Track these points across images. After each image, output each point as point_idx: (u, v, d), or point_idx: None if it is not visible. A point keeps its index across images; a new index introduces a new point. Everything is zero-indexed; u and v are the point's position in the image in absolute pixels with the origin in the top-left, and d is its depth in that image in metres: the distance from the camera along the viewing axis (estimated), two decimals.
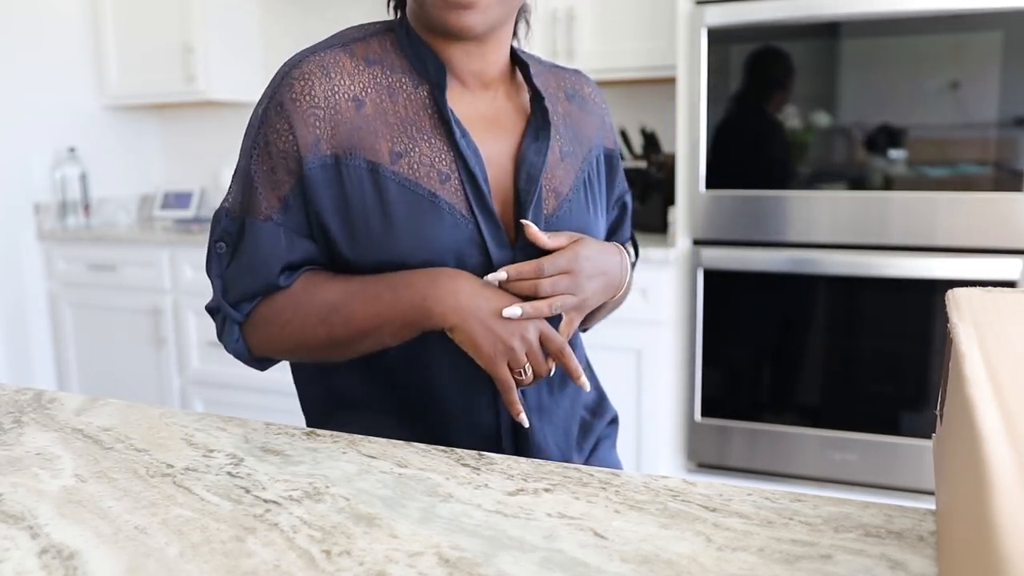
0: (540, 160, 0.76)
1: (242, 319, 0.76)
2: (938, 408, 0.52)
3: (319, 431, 0.68)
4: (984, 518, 0.26)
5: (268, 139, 0.72)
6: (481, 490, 0.55)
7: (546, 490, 0.54)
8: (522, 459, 0.61)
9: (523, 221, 0.72)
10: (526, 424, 0.73)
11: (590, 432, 0.89)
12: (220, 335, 0.79)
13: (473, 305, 0.69)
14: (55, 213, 2.85)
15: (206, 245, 0.78)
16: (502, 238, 0.74)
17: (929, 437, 1.92)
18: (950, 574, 0.35)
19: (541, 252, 0.73)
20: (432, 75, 0.75)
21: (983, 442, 0.30)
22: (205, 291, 2.56)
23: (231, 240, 0.75)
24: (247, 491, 0.55)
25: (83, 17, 2.92)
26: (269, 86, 0.74)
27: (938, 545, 0.45)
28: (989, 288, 0.56)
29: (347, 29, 0.78)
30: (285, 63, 0.75)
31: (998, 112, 1.79)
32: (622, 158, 0.94)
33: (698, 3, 2.00)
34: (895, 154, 1.88)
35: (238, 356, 0.78)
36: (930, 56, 1.82)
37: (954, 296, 0.54)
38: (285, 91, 0.72)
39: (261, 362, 0.80)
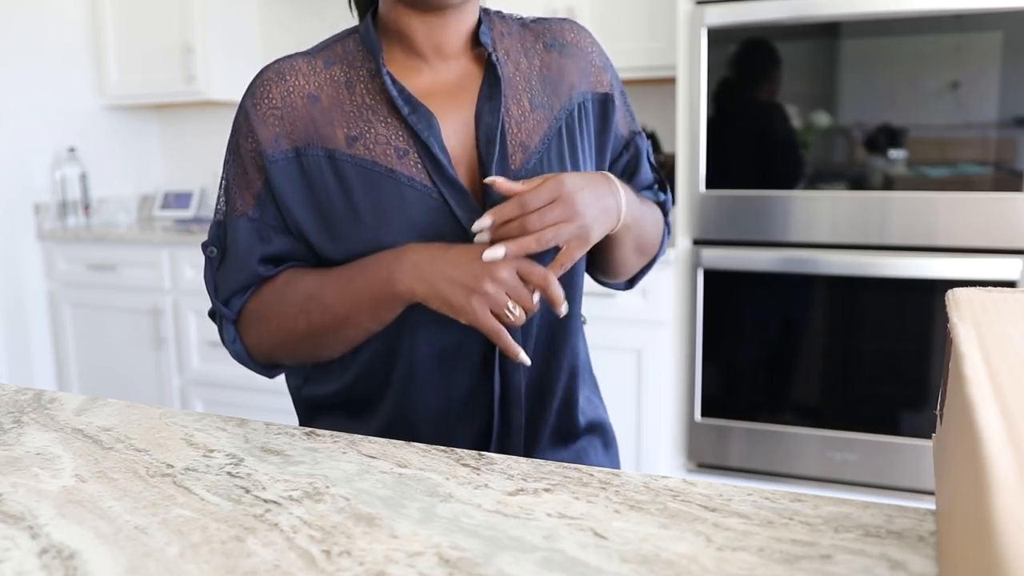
0: (495, 119, 0.77)
1: (234, 316, 0.79)
2: (938, 408, 0.52)
3: (319, 431, 0.68)
4: (984, 518, 0.26)
5: (238, 143, 0.79)
6: (481, 490, 0.55)
7: (546, 490, 0.54)
8: (522, 459, 0.61)
9: (487, 180, 0.71)
10: (527, 362, 0.71)
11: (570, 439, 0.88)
12: (222, 339, 0.81)
13: (435, 269, 0.69)
14: (55, 213, 2.85)
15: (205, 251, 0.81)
16: (469, 203, 0.74)
17: (929, 437, 1.92)
18: (950, 574, 0.35)
19: None
20: (374, 56, 0.76)
21: (983, 442, 0.30)
22: (205, 291, 2.56)
23: (220, 244, 0.79)
24: (247, 491, 0.55)
25: (83, 17, 2.92)
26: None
27: (938, 545, 0.45)
28: (989, 288, 0.56)
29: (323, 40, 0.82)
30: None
31: (998, 112, 1.79)
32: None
33: (698, 3, 2.00)
34: (895, 154, 1.88)
35: (240, 359, 0.81)
36: (930, 56, 1.82)
37: (954, 296, 0.54)
38: (247, 99, 0.78)
39: (268, 368, 0.82)
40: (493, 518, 0.50)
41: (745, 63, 1.96)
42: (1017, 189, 1.80)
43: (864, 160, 1.91)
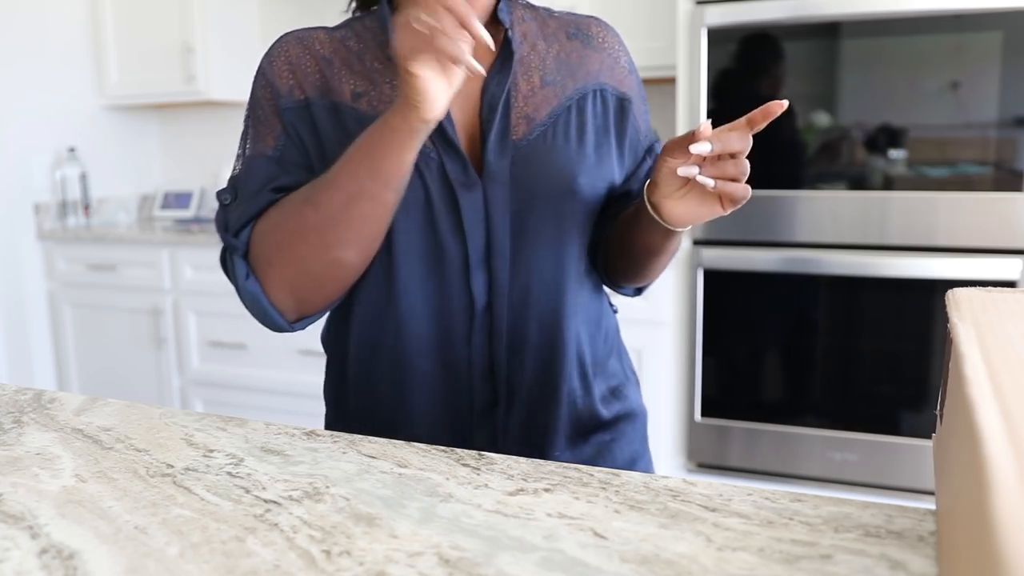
0: (500, 90, 0.78)
1: (243, 247, 0.76)
2: (938, 408, 0.52)
3: (319, 431, 0.68)
4: (984, 518, 0.26)
5: (256, 97, 0.80)
6: (481, 490, 0.55)
7: (546, 490, 0.54)
8: (522, 459, 0.61)
9: (703, 126, 0.67)
10: (480, 71, 0.63)
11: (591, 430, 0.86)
12: (235, 283, 0.77)
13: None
14: (55, 213, 2.85)
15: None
16: (466, 168, 0.76)
17: (929, 437, 1.93)
18: (950, 574, 0.35)
19: (502, 188, 0.76)
20: (386, 31, 0.78)
21: (983, 442, 0.30)
22: (205, 291, 2.56)
23: (234, 189, 0.79)
24: (247, 491, 0.55)
25: (83, 17, 2.92)
26: None
27: (938, 545, 0.45)
28: (989, 288, 0.56)
29: None
30: None
31: (998, 112, 1.79)
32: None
33: (698, 3, 2.00)
34: (895, 154, 1.88)
35: (255, 299, 0.75)
36: (930, 56, 1.82)
37: (954, 296, 0.54)
38: (265, 60, 0.80)
39: (285, 313, 0.77)
40: (493, 518, 0.50)
41: (747, 59, 1.96)
42: (1017, 189, 1.80)
43: (864, 160, 1.91)
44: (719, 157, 0.69)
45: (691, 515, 0.50)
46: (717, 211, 0.73)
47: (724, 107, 1.99)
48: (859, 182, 1.92)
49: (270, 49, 0.81)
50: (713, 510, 0.51)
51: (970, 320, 0.48)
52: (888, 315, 1.94)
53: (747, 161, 0.69)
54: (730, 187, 0.69)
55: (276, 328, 0.78)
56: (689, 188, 0.73)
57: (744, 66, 1.97)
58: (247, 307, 0.77)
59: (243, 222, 0.76)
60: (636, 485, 0.55)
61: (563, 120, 0.80)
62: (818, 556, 0.45)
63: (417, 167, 0.74)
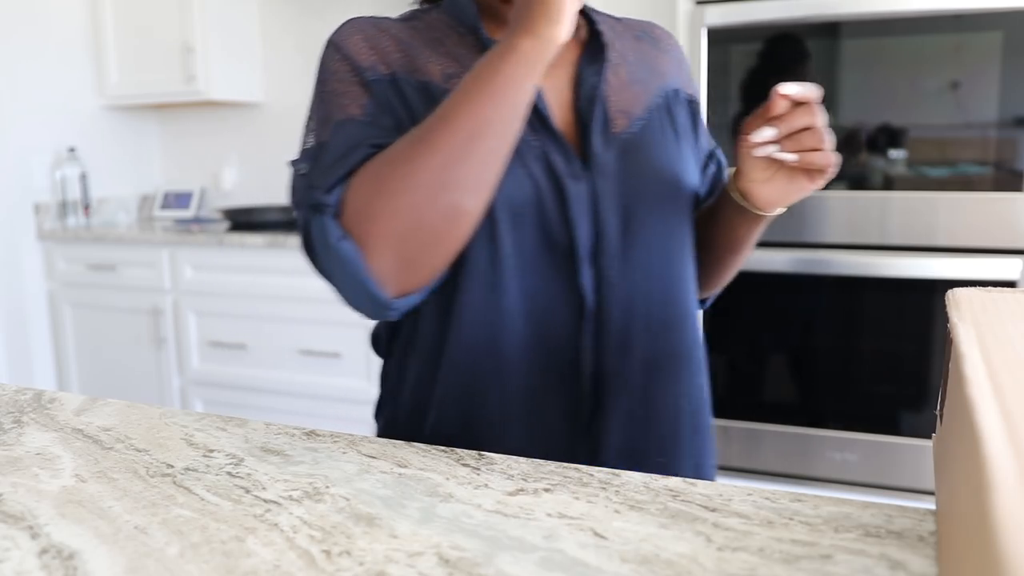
0: (598, 80, 0.75)
1: (335, 204, 0.64)
2: (938, 408, 0.52)
3: (319, 431, 0.68)
4: (984, 518, 0.26)
5: (331, 70, 0.72)
6: (481, 490, 0.55)
7: (546, 490, 0.54)
8: (522, 459, 0.61)
9: (780, 88, 0.66)
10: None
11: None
12: (325, 249, 0.64)
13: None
14: (55, 213, 2.85)
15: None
16: (569, 154, 0.72)
17: (929, 437, 1.92)
18: (950, 574, 0.35)
19: (610, 181, 0.72)
20: (469, 20, 0.75)
21: (983, 442, 0.30)
22: (205, 291, 2.56)
23: (313, 155, 0.69)
24: (247, 491, 0.55)
25: (83, 17, 2.92)
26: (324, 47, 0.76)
27: (938, 545, 0.45)
28: (989, 288, 0.56)
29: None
30: None
31: (998, 112, 1.79)
32: None
33: (698, 3, 2.00)
34: (895, 154, 1.88)
35: (351, 263, 0.63)
36: (930, 56, 1.82)
37: (954, 296, 0.54)
38: (336, 37, 0.74)
39: (385, 280, 0.64)
40: (493, 518, 0.50)
41: (770, 59, 1.96)
42: (1017, 189, 1.80)
43: (864, 160, 1.91)
44: (796, 133, 0.67)
45: (691, 515, 0.50)
46: (807, 186, 0.71)
47: (751, 105, 1.99)
48: (859, 182, 1.92)
49: (339, 29, 0.75)
50: (713, 510, 0.51)
51: (970, 320, 0.48)
52: (888, 315, 1.94)
53: (826, 129, 0.67)
54: (811, 157, 0.67)
55: (374, 305, 0.65)
56: (776, 169, 0.71)
57: (765, 64, 1.97)
58: (337, 283, 0.65)
59: (336, 178, 0.65)
60: (636, 485, 0.55)
61: (658, 116, 0.78)
62: (818, 556, 0.45)
63: (519, 155, 0.69)
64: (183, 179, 3.26)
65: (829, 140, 0.68)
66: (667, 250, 0.76)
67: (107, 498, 0.54)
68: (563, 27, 0.63)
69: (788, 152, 0.68)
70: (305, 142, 0.71)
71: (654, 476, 0.56)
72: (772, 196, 0.74)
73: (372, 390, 2.37)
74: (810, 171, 0.70)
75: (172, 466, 0.60)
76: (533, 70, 0.63)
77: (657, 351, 0.75)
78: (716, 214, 0.81)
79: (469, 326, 0.72)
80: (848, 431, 1.99)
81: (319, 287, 2.39)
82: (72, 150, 2.87)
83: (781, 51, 1.94)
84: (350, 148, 0.66)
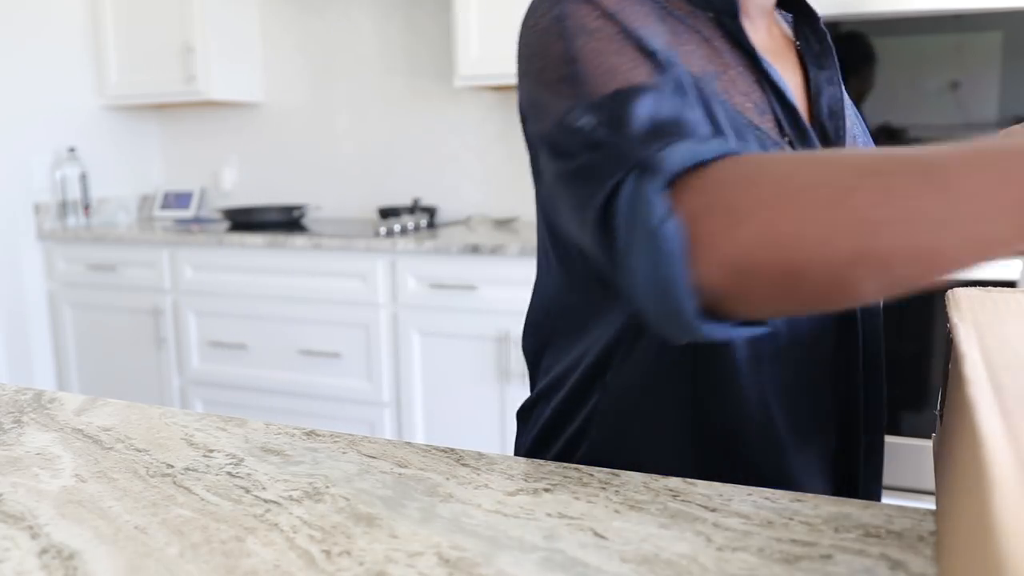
0: (836, 90, 0.67)
1: (672, 172, 0.46)
2: (938, 408, 0.52)
3: (319, 431, 0.68)
4: (984, 518, 0.26)
5: (585, 28, 0.55)
6: (481, 490, 0.55)
7: (546, 490, 0.54)
8: (522, 459, 0.61)
9: None
10: None
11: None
12: (619, 220, 0.47)
13: None
14: (55, 213, 2.86)
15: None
16: None
17: (929, 437, 1.92)
18: (950, 574, 0.35)
19: None
20: (718, 4, 0.63)
21: (983, 442, 0.30)
22: (205, 291, 2.56)
23: (610, 120, 0.51)
24: (247, 491, 0.55)
25: (83, 17, 2.92)
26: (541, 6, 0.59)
27: (938, 545, 0.45)
28: (989, 288, 0.56)
29: None
30: None
31: (998, 112, 1.79)
32: None
33: None
34: None
35: (667, 256, 0.45)
36: (930, 56, 1.82)
37: (954, 296, 0.54)
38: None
39: (705, 313, 0.46)
40: (493, 518, 0.50)
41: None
42: None
43: None
44: None
45: (691, 515, 0.50)
46: None
47: None
48: None
49: None
50: (713, 510, 0.51)
51: (970, 320, 0.48)
52: (888, 315, 1.94)
53: None
54: None
55: (677, 315, 0.46)
56: None
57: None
58: (637, 276, 0.47)
59: (668, 141, 0.48)
60: (636, 485, 0.55)
61: (862, 130, 0.71)
62: (818, 556, 0.45)
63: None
64: (183, 179, 3.26)
65: None
66: None
67: (107, 498, 0.54)
68: None
69: None
70: (571, 109, 0.54)
71: (654, 476, 0.56)
72: None
73: (372, 390, 2.37)
74: None
75: (172, 466, 0.60)
76: (982, 253, 0.41)
77: (882, 374, 0.71)
78: None
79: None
80: None
81: (319, 287, 2.39)
82: (72, 150, 2.87)
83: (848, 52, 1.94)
84: (679, 114, 0.50)
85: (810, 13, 0.70)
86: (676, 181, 0.46)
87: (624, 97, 0.51)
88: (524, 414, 0.76)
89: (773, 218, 0.43)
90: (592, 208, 0.50)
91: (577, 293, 0.68)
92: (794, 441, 0.63)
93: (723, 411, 0.62)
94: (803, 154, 0.46)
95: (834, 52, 0.69)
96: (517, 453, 0.76)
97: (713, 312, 0.47)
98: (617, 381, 0.65)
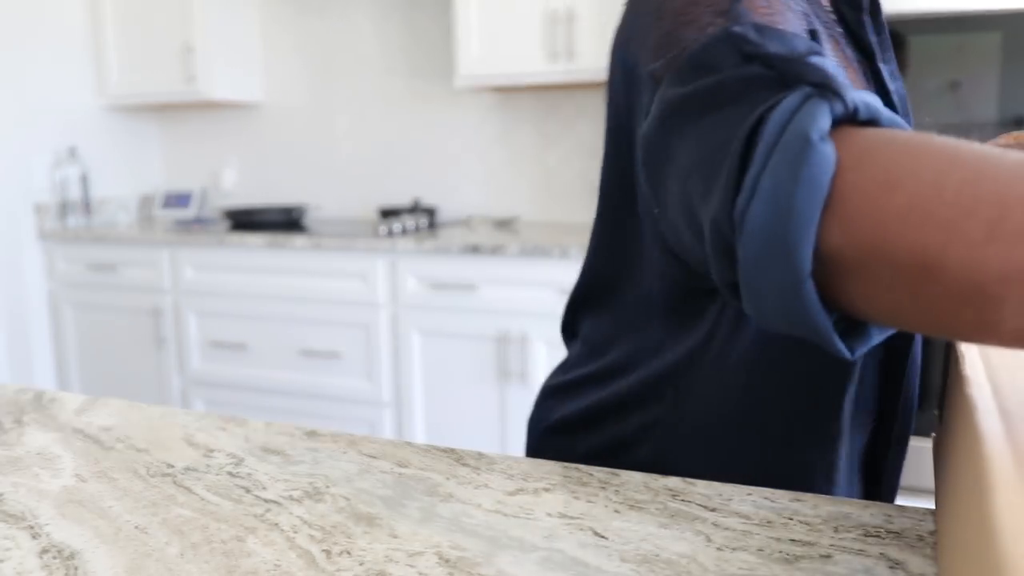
0: (900, 86, 0.64)
1: (852, 105, 0.39)
2: (938, 408, 0.52)
3: (319, 431, 0.68)
4: (984, 518, 0.26)
5: None
6: (481, 490, 0.55)
7: (546, 490, 0.54)
8: (522, 459, 0.61)
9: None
10: None
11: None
12: (768, 131, 0.39)
13: None
14: (55, 213, 2.86)
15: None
16: None
17: (929, 437, 1.92)
18: (950, 574, 0.35)
19: None
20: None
21: (983, 442, 0.30)
22: (205, 291, 2.56)
23: (781, 45, 0.44)
24: (247, 491, 0.55)
25: (83, 17, 2.92)
26: None
27: (938, 545, 0.45)
28: None
29: None
30: None
31: (998, 112, 1.79)
32: None
33: None
34: None
35: (811, 184, 0.37)
36: (930, 56, 1.82)
37: None
38: None
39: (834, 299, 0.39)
40: (493, 518, 0.50)
41: None
42: None
43: None
44: None
45: (691, 515, 0.50)
46: None
47: None
48: None
49: None
50: (713, 510, 0.51)
51: None
52: None
53: None
54: None
55: (787, 257, 0.38)
56: None
57: None
58: (761, 196, 0.39)
59: (869, 105, 0.40)
60: (636, 485, 0.55)
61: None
62: (818, 556, 0.45)
63: None
64: (183, 179, 3.26)
65: None
66: None
67: (107, 498, 0.54)
68: None
69: None
70: (677, 39, 0.49)
71: (653, 476, 0.56)
72: None
73: (372, 390, 2.37)
74: None
75: (172, 466, 0.60)
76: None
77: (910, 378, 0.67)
78: None
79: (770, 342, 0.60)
80: None
81: (319, 287, 2.39)
82: (72, 150, 2.87)
83: None
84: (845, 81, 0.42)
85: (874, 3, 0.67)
86: (843, 125, 0.39)
87: (790, 34, 0.45)
88: (563, 390, 0.71)
89: (930, 198, 0.36)
90: (743, 126, 0.41)
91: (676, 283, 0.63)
92: (847, 438, 0.62)
93: (790, 412, 0.61)
94: (963, 143, 0.38)
95: (889, 43, 0.66)
96: (537, 427, 0.73)
97: (821, 289, 0.39)
98: (695, 389, 0.62)
